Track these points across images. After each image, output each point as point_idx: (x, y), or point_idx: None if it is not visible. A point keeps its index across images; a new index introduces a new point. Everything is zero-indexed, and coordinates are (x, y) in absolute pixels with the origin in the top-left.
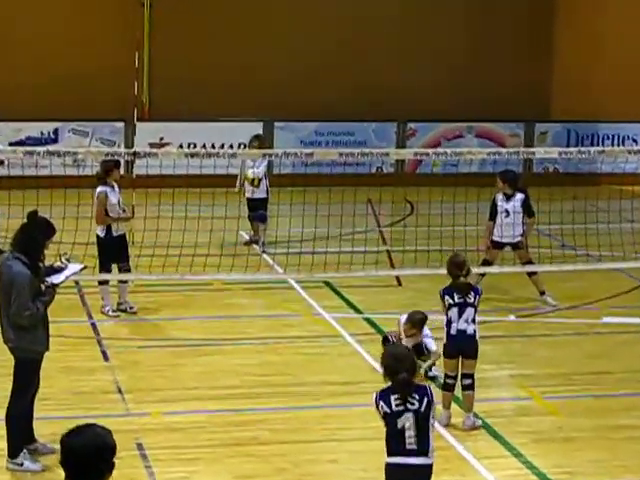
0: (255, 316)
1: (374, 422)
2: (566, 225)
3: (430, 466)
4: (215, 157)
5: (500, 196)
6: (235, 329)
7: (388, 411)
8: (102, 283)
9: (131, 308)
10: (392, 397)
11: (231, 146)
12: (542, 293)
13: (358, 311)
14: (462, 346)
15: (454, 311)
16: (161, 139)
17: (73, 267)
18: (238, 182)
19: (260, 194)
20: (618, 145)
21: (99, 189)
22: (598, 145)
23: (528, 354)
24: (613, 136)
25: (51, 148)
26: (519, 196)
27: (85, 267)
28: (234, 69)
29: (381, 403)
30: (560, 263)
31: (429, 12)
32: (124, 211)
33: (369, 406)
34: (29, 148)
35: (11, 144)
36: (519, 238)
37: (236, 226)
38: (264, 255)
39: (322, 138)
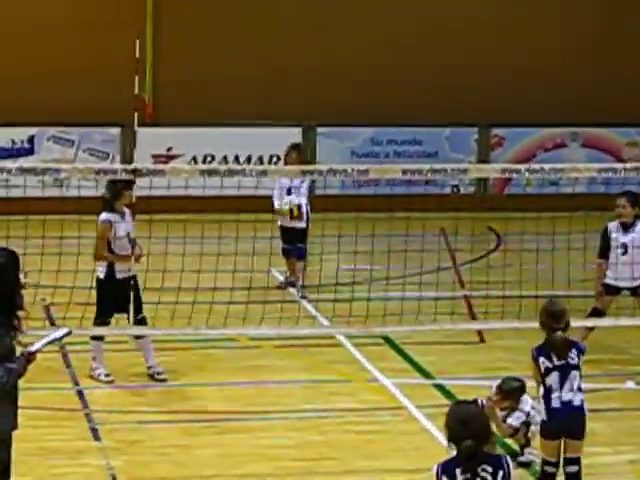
0: (292, 382)
1: None
2: None
3: None
4: (240, 175)
5: (615, 226)
6: (265, 399)
7: None
8: (96, 339)
9: (159, 374)
10: (457, 470)
11: (260, 160)
12: None
13: (428, 376)
14: (568, 423)
15: (554, 377)
16: (169, 150)
17: (55, 332)
18: (276, 205)
19: (299, 223)
20: None
21: (103, 216)
22: None
23: None
24: None
25: (25, 163)
26: None
27: (70, 332)
28: (262, 64)
29: (444, 479)
30: None
31: None
32: (133, 247)
33: None
34: None
35: None
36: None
37: (267, 264)
38: (304, 302)
39: (380, 148)
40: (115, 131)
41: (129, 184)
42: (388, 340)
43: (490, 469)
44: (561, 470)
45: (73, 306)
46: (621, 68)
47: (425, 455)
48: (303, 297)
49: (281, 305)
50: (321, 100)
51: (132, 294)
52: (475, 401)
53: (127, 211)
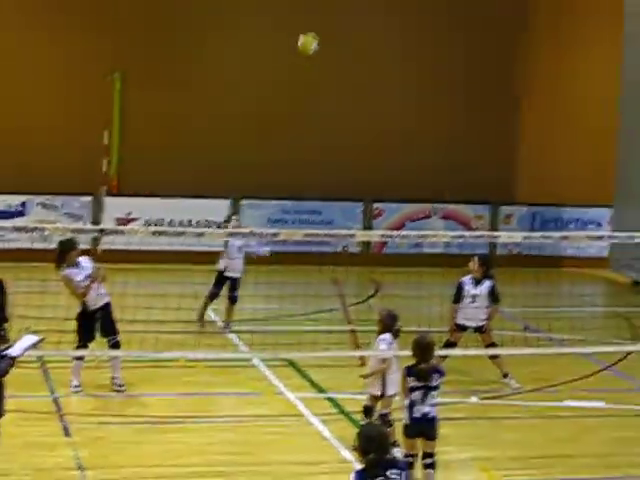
0: (218, 394)
1: None
2: (529, 308)
3: None
4: (183, 236)
5: (467, 280)
6: (198, 407)
7: None
8: (77, 359)
9: (120, 386)
10: (367, 478)
11: (198, 223)
12: (505, 376)
13: (321, 390)
14: (424, 429)
15: (417, 394)
16: (129, 214)
17: (29, 339)
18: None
19: (236, 273)
20: (582, 228)
21: (62, 273)
22: (562, 228)
23: (490, 436)
24: (577, 220)
25: (18, 222)
26: (487, 283)
27: (43, 339)
28: (203, 148)
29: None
30: (523, 347)
31: (398, 96)
32: (92, 281)
33: None
34: None
35: None
36: (484, 322)
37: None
38: (228, 333)
39: (289, 216)
40: (87, 199)
41: (73, 245)
42: (292, 363)
43: (396, 472)
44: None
45: (52, 332)
46: (467, 162)
47: (318, 451)
48: (228, 330)
49: (212, 335)
50: (247, 179)
51: (103, 320)
52: (378, 424)
53: (81, 259)
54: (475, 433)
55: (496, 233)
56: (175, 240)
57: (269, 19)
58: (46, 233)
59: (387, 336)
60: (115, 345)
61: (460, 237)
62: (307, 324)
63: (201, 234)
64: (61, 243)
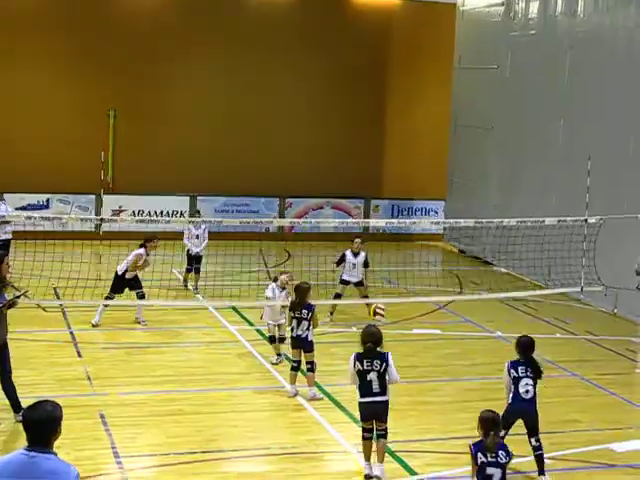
0: (184, 327)
1: (262, 400)
2: (392, 269)
3: (388, 401)
4: (157, 223)
5: (349, 252)
6: (169, 337)
7: (360, 369)
8: (106, 305)
9: (143, 322)
10: (364, 360)
11: (168, 213)
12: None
13: (251, 324)
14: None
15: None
16: (120, 207)
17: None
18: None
19: (200, 252)
20: (426, 214)
21: (138, 251)
22: (413, 215)
23: None
24: (422, 208)
25: (44, 213)
26: (362, 254)
27: (27, 292)
28: (171, 160)
29: (357, 363)
30: (387, 296)
31: (308, 118)
32: (144, 265)
33: (258, 388)
34: (29, 213)
35: (16, 209)
36: (361, 278)
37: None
38: (197, 295)
39: (229, 207)
40: (92, 197)
41: (155, 236)
42: (234, 307)
43: (378, 362)
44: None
45: (68, 288)
46: (348, 168)
47: (250, 365)
48: (196, 293)
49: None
50: (203, 180)
51: (134, 282)
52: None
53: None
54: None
55: (368, 220)
56: (152, 225)
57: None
58: (63, 221)
59: (273, 285)
60: (141, 296)
61: (344, 222)
62: (242, 279)
63: (168, 221)
64: (146, 238)
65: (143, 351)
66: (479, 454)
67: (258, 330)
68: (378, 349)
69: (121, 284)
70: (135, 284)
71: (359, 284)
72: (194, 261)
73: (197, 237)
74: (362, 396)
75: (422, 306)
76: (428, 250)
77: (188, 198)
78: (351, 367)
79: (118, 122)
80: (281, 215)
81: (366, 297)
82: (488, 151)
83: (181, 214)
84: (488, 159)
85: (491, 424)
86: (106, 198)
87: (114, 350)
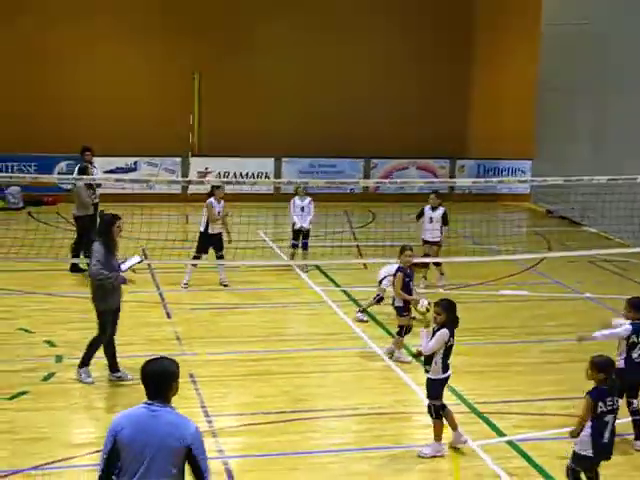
0: (269, 289)
1: (350, 359)
2: (476, 229)
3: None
4: (242, 184)
5: (427, 207)
6: (256, 298)
7: (453, 344)
8: (194, 265)
9: (225, 284)
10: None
11: (253, 175)
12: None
13: (337, 285)
14: None
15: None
16: (206, 168)
17: (134, 259)
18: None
19: (307, 225)
20: (513, 174)
21: (208, 200)
22: (499, 175)
23: None
24: (509, 168)
25: (132, 176)
26: (441, 209)
27: (142, 260)
28: (251, 118)
29: (451, 338)
30: (475, 255)
31: (388, 78)
32: (223, 217)
33: (344, 349)
34: (118, 176)
35: (104, 172)
36: (439, 238)
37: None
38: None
39: (314, 169)
40: (178, 159)
41: (219, 187)
42: (318, 267)
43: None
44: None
45: (156, 249)
46: (435, 128)
47: (336, 326)
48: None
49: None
50: (286, 141)
51: (217, 241)
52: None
53: (220, 201)
54: None
55: (454, 180)
56: (238, 187)
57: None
58: (151, 183)
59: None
60: (221, 257)
61: (429, 182)
62: (328, 241)
63: (255, 183)
64: (212, 186)
65: (230, 312)
66: (600, 403)
67: (344, 291)
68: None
69: (206, 242)
70: (218, 244)
71: (435, 243)
72: (301, 236)
73: (302, 209)
74: (445, 372)
75: (509, 267)
76: (515, 211)
77: (272, 160)
78: (443, 340)
79: (202, 85)
80: (366, 176)
81: (437, 258)
82: (577, 109)
83: (266, 176)
84: (577, 117)
85: (610, 366)
86: (193, 160)
87: (202, 311)
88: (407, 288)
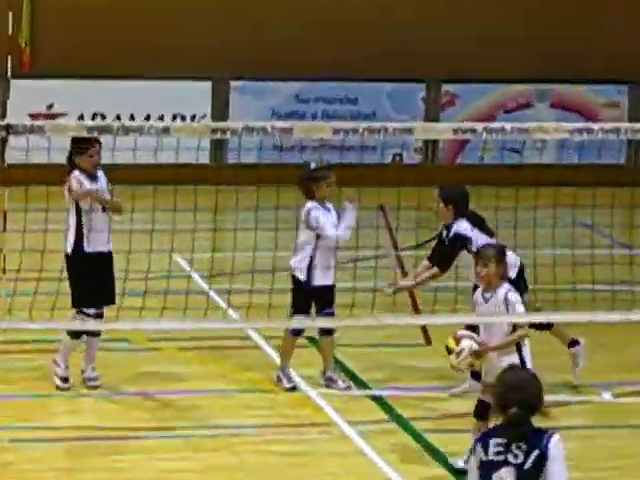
0: (198, 392)
1: None
2: None
3: None
4: (137, 133)
5: None
6: (166, 413)
7: (484, 459)
8: None
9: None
10: (492, 441)
11: (161, 119)
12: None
13: (364, 385)
14: None
15: None
16: (50, 107)
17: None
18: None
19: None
20: None
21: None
22: None
23: None
24: None
25: None
26: None
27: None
28: (160, 10)
29: (479, 448)
30: None
31: None
32: None
33: None
34: None
35: None
36: None
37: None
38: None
39: (306, 107)
40: None
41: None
42: (314, 340)
43: (525, 447)
44: None
45: None
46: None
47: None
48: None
49: (186, 296)
50: (237, 50)
51: None
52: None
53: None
54: None
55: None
56: (125, 141)
57: None
58: None
59: None
60: None
61: (583, 131)
62: (340, 278)
63: (165, 130)
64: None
65: (105, 447)
66: None
67: (378, 398)
68: None
69: None
70: None
71: None
72: None
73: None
74: None
75: None
76: None
77: (209, 85)
78: None
79: None
80: (432, 121)
81: None
82: None
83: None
84: None
85: None
86: (19, 84)
87: (36, 446)
88: None
